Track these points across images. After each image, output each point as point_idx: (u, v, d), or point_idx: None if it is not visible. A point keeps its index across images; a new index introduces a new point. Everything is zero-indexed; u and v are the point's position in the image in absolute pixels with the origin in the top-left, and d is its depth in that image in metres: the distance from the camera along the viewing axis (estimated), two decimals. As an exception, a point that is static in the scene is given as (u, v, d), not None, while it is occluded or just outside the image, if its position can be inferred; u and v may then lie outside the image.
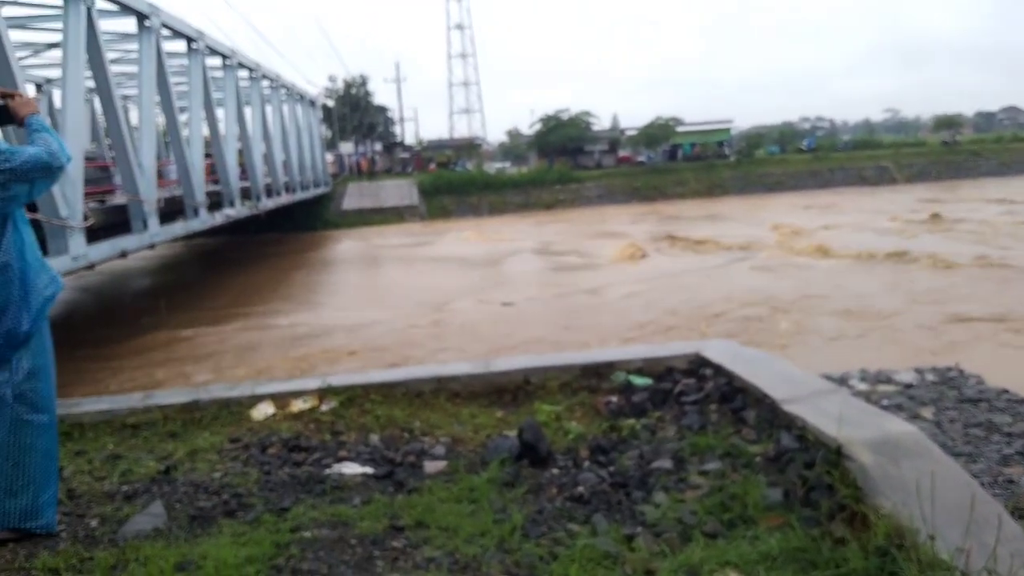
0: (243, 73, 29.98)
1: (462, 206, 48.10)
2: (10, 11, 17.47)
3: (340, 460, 3.97)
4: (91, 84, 18.17)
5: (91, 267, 15.41)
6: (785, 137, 68.18)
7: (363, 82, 71.92)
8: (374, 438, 4.31)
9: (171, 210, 21.62)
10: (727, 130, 63.96)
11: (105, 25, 18.02)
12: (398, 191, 48.94)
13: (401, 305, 19.05)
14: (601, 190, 51.09)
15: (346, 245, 36.42)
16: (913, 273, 19.62)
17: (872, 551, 2.74)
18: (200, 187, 22.61)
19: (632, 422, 4.29)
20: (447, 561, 2.82)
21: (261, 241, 36.15)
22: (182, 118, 23.08)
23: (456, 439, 4.30)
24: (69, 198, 13.61)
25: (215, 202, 25.16)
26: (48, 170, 3.03)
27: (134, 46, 21.00)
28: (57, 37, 18.59)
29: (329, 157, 52.76)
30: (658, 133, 58.44)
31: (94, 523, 3.28)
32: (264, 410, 4.64)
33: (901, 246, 23.53)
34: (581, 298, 19.02)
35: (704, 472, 3.48)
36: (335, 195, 47.48)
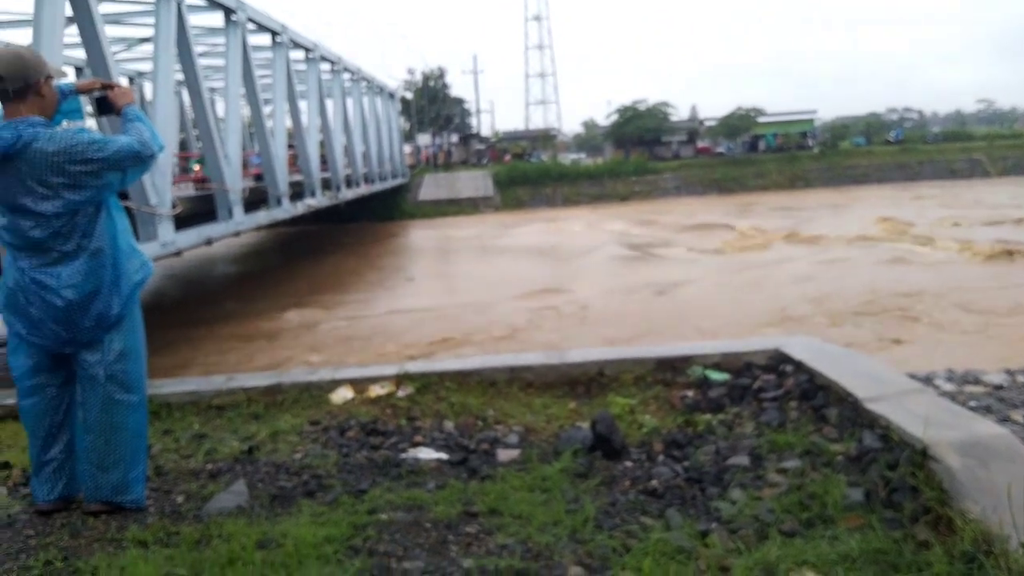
0: (325, 66, 30.59)
1: (536, 197, 48.12)
2: (106, 7, 18.17)
3: (416, 445, 4.04)
4: (180, 77, 18.83)
5: (178, 253, 15.98)
6: (871, 128, 65.97)
7: (441, 74, 72.71)
8: (448, 425, 4.36)
9: (255, 199, 22.25)
10: (811, 121, 62.16)
11: (194, 20, 18.66)
12: (473, 182, 49.26)
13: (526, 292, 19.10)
14: (678, 181, 50.38)
15: (429, 234, 36.87)
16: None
17: (958, 556, 2.65)
18: (283, 177, 23.19)
19: (708, 417, 4.23)
20: (520, 549, 2.84)
21: (340, 230, 36.89)
22: (266, 110, 23.72)
23: (529, 428, 4.32)
24: (158, 186, 14.16)
25: (297, 192, 25.78)
26: (140, 159, 3.14)
27: (221, 40, 21.74)
28: (149, 32, 19.34)
29: (407, 148, 53.47)
30: (738, 124, 57.21)
31: (180, 499, 3.41)
32: (343, 394, 4.75)
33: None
34: (733, 286, 18.76)
35: (782, 470, 3.41)
36: (412, 186, 48.10)
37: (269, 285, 23.08)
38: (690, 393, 4.65)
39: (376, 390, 4.77)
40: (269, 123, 23.68)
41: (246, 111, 24.86)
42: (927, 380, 8.89)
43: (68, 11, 12.40)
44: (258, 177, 24.56)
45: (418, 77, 71.62)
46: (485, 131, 71.48)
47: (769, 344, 4.88)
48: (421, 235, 36.86)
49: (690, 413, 4.37)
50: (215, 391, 4.91)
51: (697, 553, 2.82)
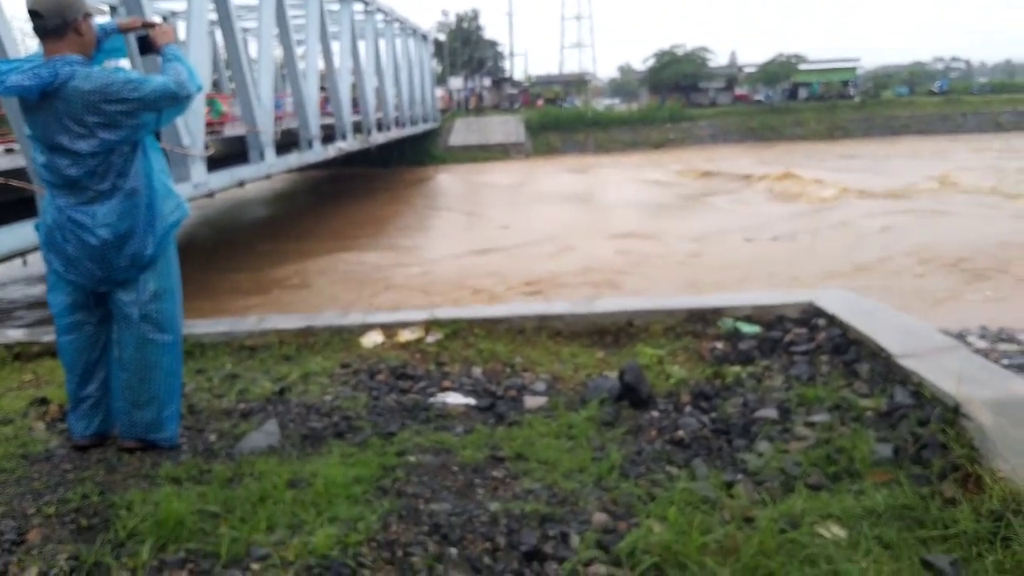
0: (358, 7, 30.27)
1: (568, 143, 47.65)
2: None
3: (444, 390, 4.08)
4: (213, 16, 18.71)
5: (211, 195, 16.11)
6: (915, 78, 64.05)
7: (475, 16, 71.80)
8: (476, 371, 4.39)
9: (286, 142, 22.28)
10: (853, 69, 60.45)
11: (227, -42, 18.45)
12: (504, 127, 48.82)
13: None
14: (714, 129, 49.56)
15: (463, 179, 36.69)
16: None
17: (985, 514, 2.63)
18: (315, 120, 23.15)
19: (737, 369, 4.22)
20: (545, 494, 2.87)
21: (370, 175, 36.89)
22: (298, 52, 23.57)
23: (556, 377, 4.34)
24: (192, 128, 14.21)
25: (328, 135, 25.76)
26: (176, 99, 3.13)
27: (254, -21, 21.48)
28: (182, -30, 19.20)
29: (439, 92, 52.99)
30: (778, 71, 55.81)
31: (213, 438, 3.49)
32: (373, 338, 4.80)
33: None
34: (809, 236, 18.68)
35: (811, 424, 3.40)
36: (443, 130, 47.80)
37: (301, 227, 23.23)
38: (720, 345, 4.63)
39: (406, 335, 4.81)
40: (301, 65, 23.55)
41: (278, 52, 24.70)
42: (960, 337, 8.80)
43: (101, -52, 12.34)
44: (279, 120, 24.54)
45: (451, 19, 70.67)
46: (518, 75, 70.64)
47: (802, 297, 4.82)
48: (451, 180, 36.71)
49: (719, 365, 4.35)
50: (247, 332, 4.97)
51: (722, 503, 2.84)
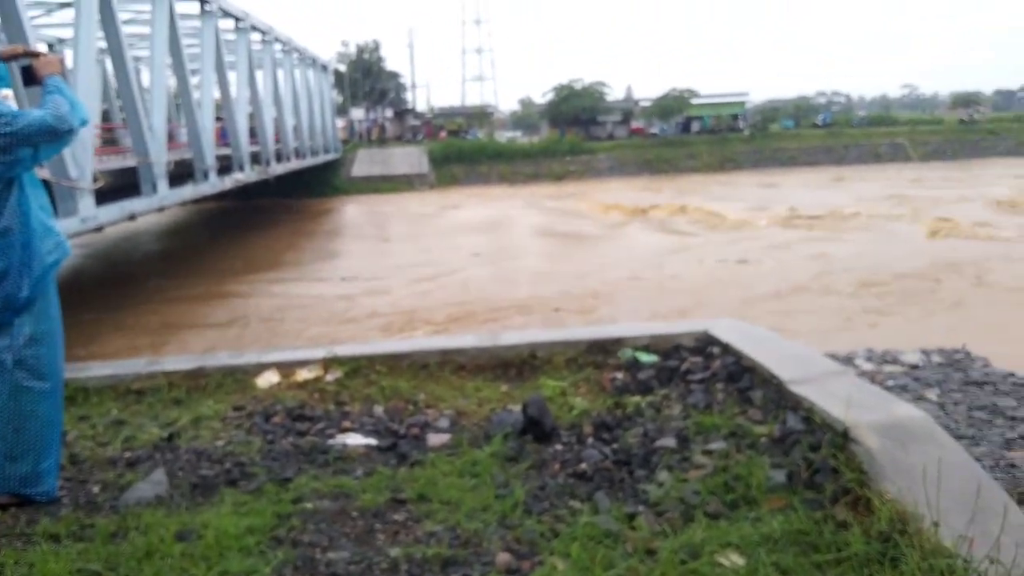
0: (256, 36, 29.82)
1: (472, 175, 47.96)
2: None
3: (344, 431, 3.96)
4: (103, 44, 18.07)
5: (100, 229, 15.44)
6: (800, 111, 67.39)
7: (376, 47, 71.58)
8: (378, 409, 4.30)
9: (181, 173, 21.62)
10: (742, 103, 63.29)
11: (117, -16, 17.87)
12: (408, 159, 48.77)
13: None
14: (612, 162, 50.79)
15: (364, 210, 36.33)
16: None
17: (875, 536, 2.72)
18: (210, 150, 22.58)
19: (637, 399, 4.27)
20: (448, 536, 2.82)
21: (270, 207, 36.12)
22: (193, 81, 22.99)
23: (460, 412, 4.29)
24: (79, 159, 13.61)
25: (225, 166, 25.14)
26: (55, 133, 2.97)
27: (147, 6, 20.90)
28: (69, -4, 18.50)
29: (340, 123, 52.59)
30: (672, 105, 57.90)
31: (96, 489, 3.29)
32: (269, 378, 4.64)
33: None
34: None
35: (708, 452, 3.46)
36: (345, 161, 47.39)
37: (196, 263, 22.48)
38: (620, 375, 4.68)
39: (303, 374, 4.67)
40: (196, 94, 22.97)
41: (173, 82, 24.03)
42: (848, 360, 9.21)
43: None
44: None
45: (352, 49, 70.35)
46: (420, 106, 70.80)
47: (697, 327, 4.94)
48: (355, 212, 36.31)
49: (620, 395, 4.40)
50: (135, 375, 4.73)
51: (624, 536, 2.84)
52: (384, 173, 46.84)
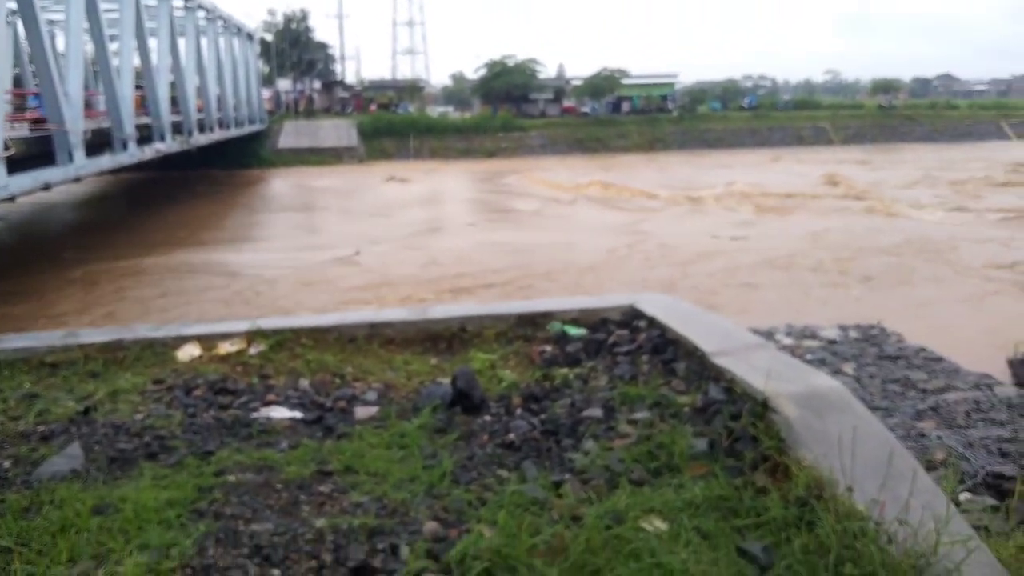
0: (178, 2, 28.77)
1: (402, 149, 47.44)
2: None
3: (268, 404, 3.90)
4: (13, 6, 17.16)
5: (12, 199, 14.77)
6: (728, 94, 68.62)
7: (303, 17, 69.64)
8: (304, 383, 4.24)
9: (99, 142, 20.79)
10: (671, 84, 63.96)
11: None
12: (336, 131, 47.87)
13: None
14: (544, 140, 50.85)
15: (290, 183, 35.55)
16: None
17: (792, 501, 2.82)
18: (129, 119, 21.76)
19: (565, 371, 4.31)
20: (375, 506, 2.80)
21: (193, 177, 35.06)
22: (112, 47, 22.07)
23: (389, 385, 4.26)
24: (-13, 125, 12.95)
25: (145, 136, 24.28)
26: None
27: (59, -33, 19.92)
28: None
29: (266, 93, 51.27)
30: (603, 84, 58.18)
31: (7, 464, 3.17)
32: (190, 351, 4.52)
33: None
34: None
35: (633, 421, 3.52)
36: (271, 133, 46.24)
37: (115, 236, 21.71)
38: (549, 348, 4.72)
39: (226, 347, 4.57)
40: (115, 61, 22.04)
41: (90, 47, 23.00)
42: (769, 335, 9.48)
43: None
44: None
45: (279, 19, 68.39)
46: (350, 79, 69.49)
47: (624, 300, 5.01)
48: (282, 185, 35.53)
49: (548, 367, 4.44)
50: (49, 348, 4.56)
51: (551, 504, 2.88)
52: (312, 146, 45.88)
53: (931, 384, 8.10)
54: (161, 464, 3.14)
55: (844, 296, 13.78)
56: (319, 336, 4.77)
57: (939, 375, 8.42)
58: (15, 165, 14.81)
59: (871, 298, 13.45)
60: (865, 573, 2.45)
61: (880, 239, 18.97)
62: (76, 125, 17.71)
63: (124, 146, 21.36)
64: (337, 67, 71.99)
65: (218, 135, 33.81)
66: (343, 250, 18.69)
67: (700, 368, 3.81)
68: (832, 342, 9.78)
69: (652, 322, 4.53)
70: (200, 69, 31.25)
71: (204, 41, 32.54)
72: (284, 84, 58.75)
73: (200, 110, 31.61)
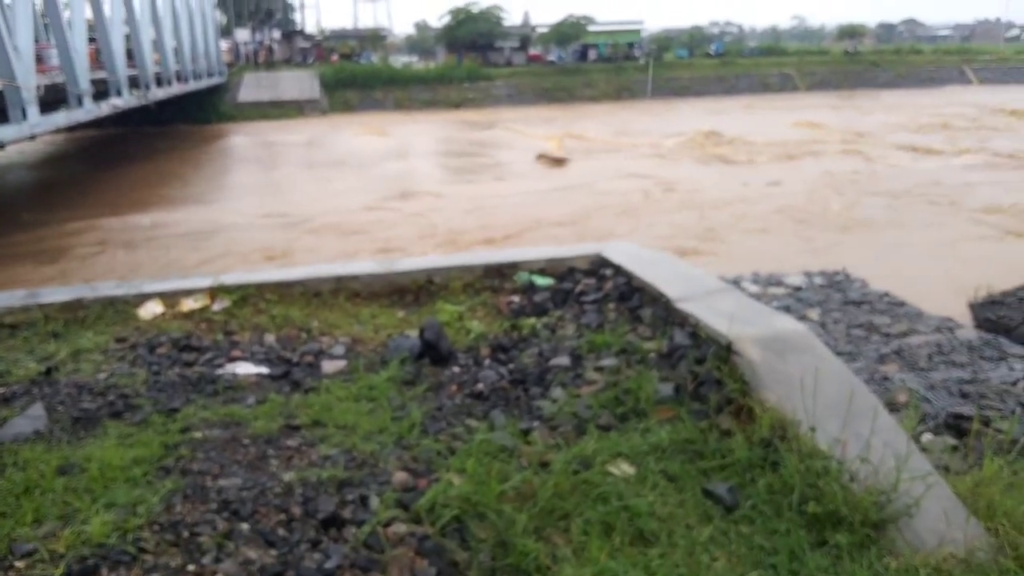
0: (129, -51, 27.72)
1: (366, 101, 46.62)
2: None
3: (233, 360, 3.87)
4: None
5: (-38, 158, 14.32)
6: (694, 41, 68.05)
7: (261, -36, 67.65)
8: (269, 338, 4.21)
9: (53, 99, 20.17)
10: (637, 31, 63.31)
11: None
12: (298, 83, 46.86)
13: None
14: (510, 89, 50.26)
15: (252, 140, 34.87)
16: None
17: (756, 442, 2.87)
18: (84, 74, 21.13)
19: (533, 321, 4.33)
20: (344, 458, 2.81)
21: (151, 133, 34.26)
22: (61, -2, 21.30)
23: (356, 339, 4.25)
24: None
25: (101, 91, 23.60)
26: None
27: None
28: None
29: (224, 45, 49.93)
30: (569, 31, 57.44)
31: (-32, 427, 3.11)
32: (152, 309, 4.46)
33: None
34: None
35: (600, 368, 3.55)
36: (230, 86, 45.13)
37: (73, 195, 21.21)
38: (516, 298, 4.73)
39: (189, 304, 4.51)
40: (66, 13, 21.28)
41: (37, -1, 22.21)
42: (735, 282, 9.58)
43: None
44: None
45: (235, -34, 66.36)
46: (310, 28, 67.85)
47: (591, 249, 5.01)
48: (243, 140, 34.83)
49: (516, 318, 4.45)
50: (7, 308, 4.46)
51: (519, 451, 2.91)
52: (273, 98, 44.89)
53: (894, 328, 8.26)
54: (126, 423, 3.11)
55: (824, 240, 13.83)
56: (284, 291, 4.73)
57: (902, 319, 8.58)
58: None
59: (847, 242, 13.56)
60: (828, 511, 2.52)
61: (879, 184, 19.02)
62: (28, 80, 17.14)
63: (80, 102, 20.76)
64: (297, 16, 70.38)
65: (176, 89, 32.95)
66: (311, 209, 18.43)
67: (665, 314, 3.83)
68: (797, 289, 9.91)
69: (618, 270, 4.55)
70: (155, 20, 30.32)
71: (158, -10, 31.54)
72: (242, 35, 57.18)
73: (157, 63, 30.75)
